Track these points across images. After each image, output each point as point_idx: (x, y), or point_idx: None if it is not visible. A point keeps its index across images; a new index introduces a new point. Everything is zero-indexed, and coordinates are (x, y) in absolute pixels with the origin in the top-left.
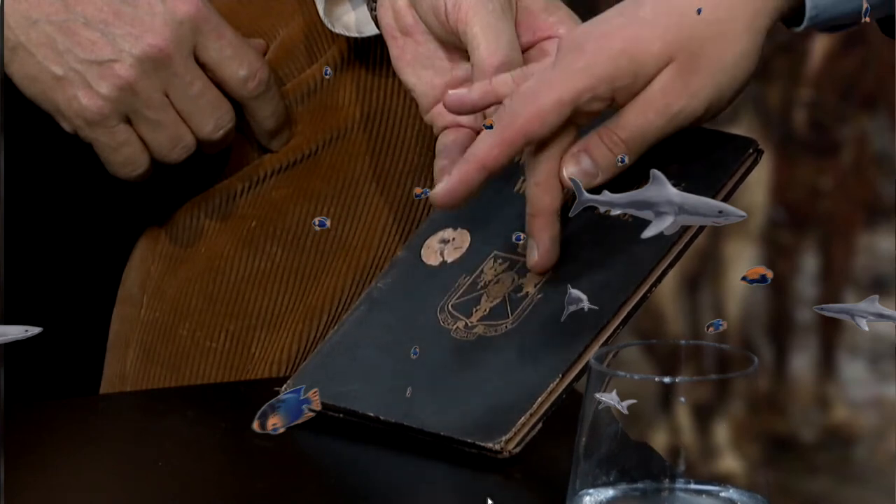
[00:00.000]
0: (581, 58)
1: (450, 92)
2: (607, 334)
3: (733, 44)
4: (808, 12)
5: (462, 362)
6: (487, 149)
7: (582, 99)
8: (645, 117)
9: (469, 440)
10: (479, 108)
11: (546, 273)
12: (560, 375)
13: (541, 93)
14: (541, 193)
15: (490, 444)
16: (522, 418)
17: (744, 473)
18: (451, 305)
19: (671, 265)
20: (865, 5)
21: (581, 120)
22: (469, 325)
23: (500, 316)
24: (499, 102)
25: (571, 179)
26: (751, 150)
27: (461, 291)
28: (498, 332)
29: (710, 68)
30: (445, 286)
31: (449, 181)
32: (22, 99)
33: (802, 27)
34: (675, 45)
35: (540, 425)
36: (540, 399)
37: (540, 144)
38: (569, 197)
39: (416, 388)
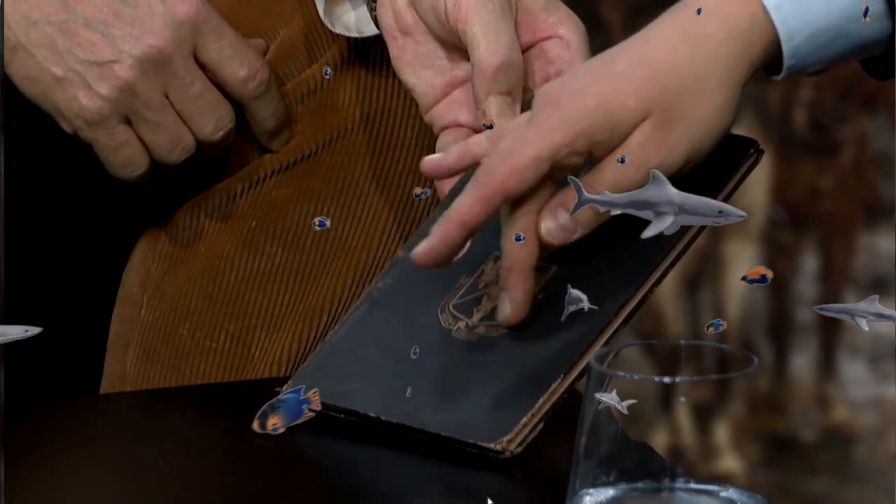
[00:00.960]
0: (557, 113)
1: (425, 158)
2: (608, 334)
3: (709, 98)
4: (786, 62)
5: (463, 362)
6: (467, 207)
7: (559, 154)
8: (623, 172)
9: (470, 440)
10: (455, 172)
11: (552, 267)
12: (561, 375)
13: (518, 149)
14: (517, 249)
15: (492, 445)
16: (524, 418)
17: (744, 473)
18: (453, 306)
19: (672, 265)
20: (865, 5)
21: (558, 174)
22: (470, 325)
23: None
24: (475, 163)
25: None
26: (751, 150)
27: (462, 292)
28: (499, 333)
29: (687, 122)
30: (446, 286)
31: (430, 241)
32: (22, 99)
33: (782, 76)
34: (650, 99)
35: (541, 425)
36: (541, 399)
37: (517, 199)
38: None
39: (416, 388)
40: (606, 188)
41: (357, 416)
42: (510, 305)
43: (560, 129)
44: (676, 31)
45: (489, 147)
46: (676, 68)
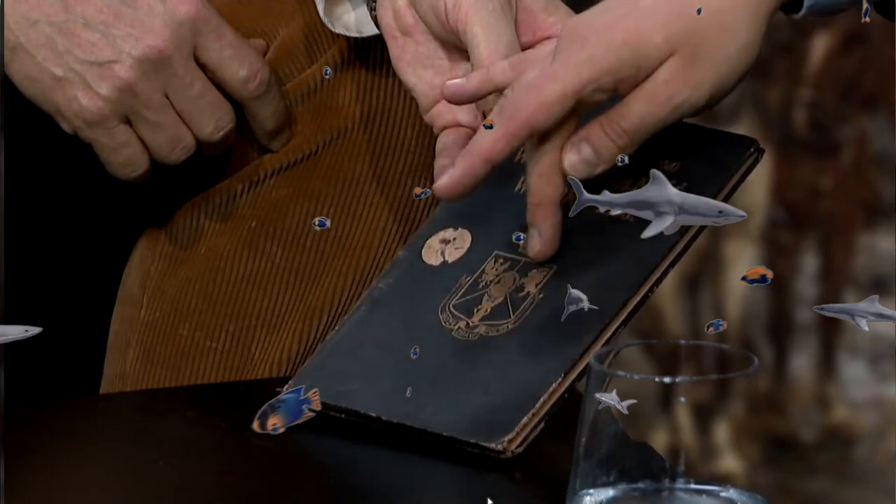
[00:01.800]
0: (583, 49)
1: (447, 83)
2: (609, 334)
3: (735, 34)
4: (807, 0)
5: (464, 362)
6: (492, 142)
7: (585, 90)
8: (648, 108)
9: (471, 440)
10: (477, 98)
11: (553, 267)
12: (562, 375)
13: (544, 85)
14: (543, 184)
15: (493, 444)
16: (525, 418)
17: (744, 473)
18: (453, 305)
19: (672, 265)
20: (865, 6)
21: (583, 108)
22: (471, 324)
23: (502, 316)
24: (496, 91)
25: (571, 179)
26: (752, 150)
27: (462, 291)
28: (500, 332)
29: (713, 59)
30: (446, 286)
31: (453, 174)
32: (22, 99)
33: (801, 14)
34: (676, 37)
35: (542, 425)
36: (542, 399)
37: (542, 135)
38: (570, 196)
39: (417, 388)
40: (630, 124)
41: (358, 416)
42: (539, 240)
43: (587, 65)
44: None
45: (511, 76)
46: (704, 5)
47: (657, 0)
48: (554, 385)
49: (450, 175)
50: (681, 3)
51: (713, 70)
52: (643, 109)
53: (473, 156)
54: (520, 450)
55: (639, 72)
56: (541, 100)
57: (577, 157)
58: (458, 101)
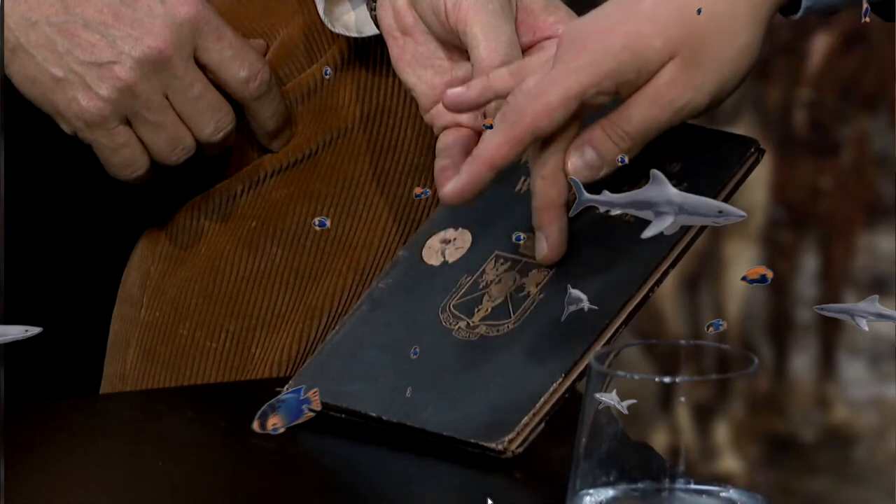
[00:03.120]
0: (584, 54)
1: (448, 91)
2: (609, 334)
3: (735, 37)
4: (805, 1)
5: (464, 362)
6: (496, 147)
7: (587, 94)
8: (650, 111)
9: (472, 440)
10: (477, 106)
11: (553, 267)
12: (563, 375)
13: (546, 89)
14: (547, 187)
15: (493, 445)
16: (525, 418)
17: (744, 473)
18: (453, 305)
19: (673, 265)
20: (865, 6)
21: (584, 113)
22: (471, 324)
23: (503, 316)
24: (497, 98)
25: (571, 180)
26: (752, 150)
27: (463, 291)
28: (500, 333)
29: (714, 62)
30: (447, 286)
31: (458, 180)
32: (22, 100)
33: (799, 14)
34: (676, 40)
35: (542, 425)
36: (543, 399)
37: (545, 139)
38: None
39: (418, 388)
40: (633, 127)
41: (358, 415)
42: (546, 244)
43: (587, 69)
44: None
45: (511, 83)
46: (703, 8)
47: (656, 3)
48: (554, 385)
49: (455, 181)
50: (680, 5)
51: (714, 72)
52: (645, 112)
53: (478, 162)
54: (520, 450)
55: (639, 75)
56: (544, 104)
57: (580, 160)
58: (458, 109)
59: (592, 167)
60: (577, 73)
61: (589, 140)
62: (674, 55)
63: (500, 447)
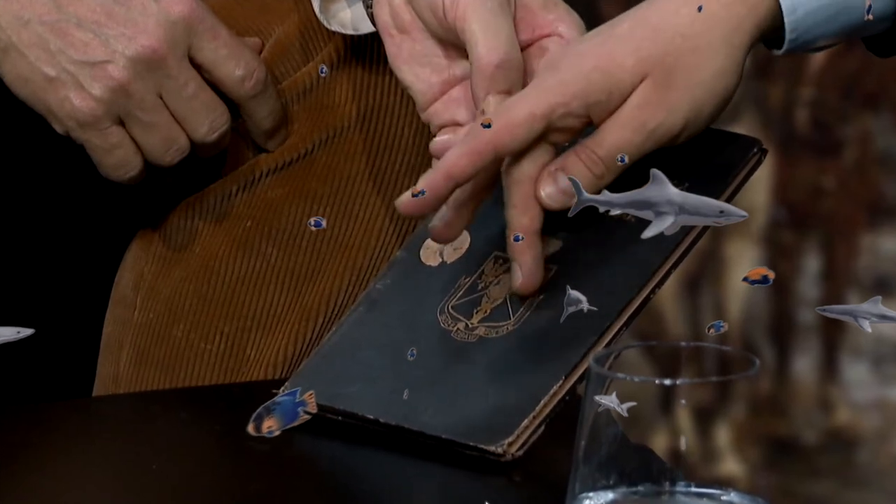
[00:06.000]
0: (555, 75)
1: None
2: (610, 336)
3: (710, 59)
4: (788, 35)
5: (463, 364)
6: (455, 159)
7: (555, 114)
8: (622, 134)
9: (471, 443)
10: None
11: (553, 268)
12: (563, 377)
13: (512, 106)
14: (519, 215)
15: (493, 447)
16: (525, 421)
17: (745, 476)
18: (452, 306)
19: (674, 266)
20: (868, 3)
21: (556, 137)
22: (470, 326)
23: (502, 317)
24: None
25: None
26: (755, 150)
27: (461, 292)
28: (499, 334)
29: (687, 83)
30: (445, 287)
31: (413, 189)
32: (14, 100)
33: (783, 51)
34: (649, 60)
35: (542, 428)
36: (542, 401)
37: (516, 166)
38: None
39: (416, 389)
40: (605, 151)
41: (355, 418)
42: (521, 273)
43: (556, 88)
44: None
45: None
46: (678, 29)
47: (632, 26)
48: (554, 388)
49: (410, 190)
50: (655, 27)
51: (687, 94)
52: (617, 136)
53: (437, 172)
54: (520, 453)
55: (610, 97)
56: (506, 120)
57: (553, 187)
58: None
59: (566, 193)
60: (546, 93)
61: (562, 166)
62: (646, 76)
63: (499, 450)
